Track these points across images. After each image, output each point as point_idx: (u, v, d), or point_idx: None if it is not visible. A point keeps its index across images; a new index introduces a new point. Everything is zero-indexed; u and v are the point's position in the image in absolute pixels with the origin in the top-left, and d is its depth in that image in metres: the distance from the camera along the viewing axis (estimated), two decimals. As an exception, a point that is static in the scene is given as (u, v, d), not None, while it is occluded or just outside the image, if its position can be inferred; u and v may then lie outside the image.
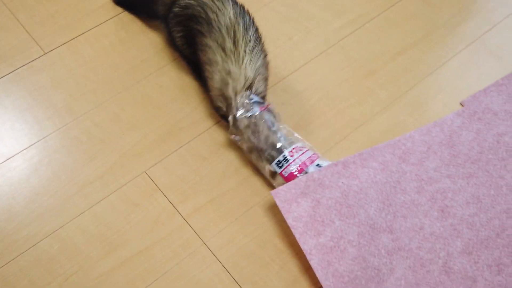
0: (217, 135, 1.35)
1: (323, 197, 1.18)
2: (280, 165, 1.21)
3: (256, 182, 1.28)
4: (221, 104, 1.30)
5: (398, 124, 1.38)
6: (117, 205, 1.24)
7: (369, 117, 1.39)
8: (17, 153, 1.30)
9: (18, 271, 1.15)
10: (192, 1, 1.33)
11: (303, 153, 1.22)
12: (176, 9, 1.36)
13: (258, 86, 1.29)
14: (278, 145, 1.21)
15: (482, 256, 1.17)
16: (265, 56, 1.32)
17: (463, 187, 1.26)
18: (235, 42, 1.27)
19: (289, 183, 1.19)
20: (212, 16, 1.29)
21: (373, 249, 1.15)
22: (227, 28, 1.27)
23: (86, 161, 1.30)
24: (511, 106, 1.38)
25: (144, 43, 1.50)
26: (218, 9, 1.29)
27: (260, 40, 1.32)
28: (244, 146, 1.26)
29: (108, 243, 1.19)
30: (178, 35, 1.38)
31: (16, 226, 1.21)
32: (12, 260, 1.17)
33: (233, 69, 1.26)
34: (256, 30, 1.31)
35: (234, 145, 1.32)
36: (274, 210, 1.24)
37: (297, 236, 1.16)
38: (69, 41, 1.49)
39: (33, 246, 1.19)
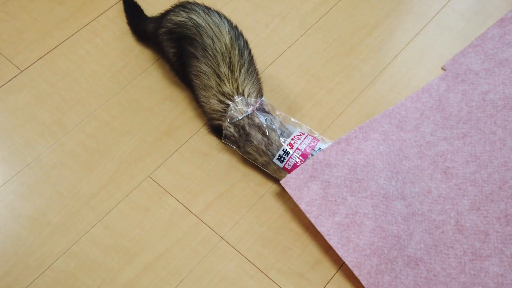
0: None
1: (332, 177, 1.20)
2: (282, 159, 1.22)
3: (262, 171, 1.28)
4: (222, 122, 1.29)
5: (388, 94, 1.41)
6: (127, 213, 1.23)
7: (358, 92, 1.41)
8: (13, 176, 1.26)
9: (38, 295, 1.12)
10: (187, 20, 1.29)
11: (302, 141, 1.24)
12: (169, 25, 1.33)
13: (255, 93, 1.29)
14: (276, 141, 1.22)
15: (490, 210, 1.22)
16: (257, 75, 1.31)
17: (460, 147, 1.30)
18: (230, 67, 1.26)
19: (297, 169, 1.21)
20: (208, 42, 1.26)
21: (390, 217, 1.17)
22: (222, 55, 1.26)
23: (86, 174, 1.28)
24: (490, 65, 1.43)
25: (121, 48, 1.47)
26: (215, 34, 1.26)
27: (253, 60, 1.31)
28: (249, 152, 1.26)
29: (126, 252, 1.18)
30: (171, 50, 1.35)
31: (27, 250, 1.18)
32: (30, 285, 1.14)
33: (228, 90, 1.26)
34: (250, 52, 1.30)
35: (233, 137, 1.32)
36: (285, 195, 1.25)
37: (312, 220, 1.17)
38: (44, 55, 1.45)
39: (48, 267, 1.16)
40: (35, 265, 1.16)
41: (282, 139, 1.22)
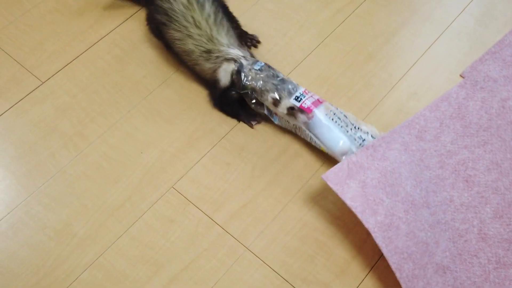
0: (236, 139, 1.35)
1: (367, 178, 1.20)
2: (299, 99, 1.26)
3: (285, 180, 1.29)
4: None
5: (407, 102, 1.42)
6: (152, 224, 1.24)
7: (378, 100, 1.42)
8: (38, 188, 1.27)
9: (67, 307, 1.14)
10: None
11: (313, 94, 1.29)
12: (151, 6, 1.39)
13: (233, 33, 1.36)
14: (291, 85, 1.28)
15: (513, 218, 1.23)
16: (231, 21, 1.38)
17: (481, 155, 1.31)
18: (197, 25, 1.31)
19: (334, 167, 1.20)
20: (166, 5, 1.32)
21: (419, 224, 1.18)
22: (184, 15, 1.31)
23: (110, 185, 1.29)
24: (508, 72, 1.44)
25: (141, 59, 1.48)
26: None
27: (220, 9, 1.35)
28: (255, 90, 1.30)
29: (153, 263, 1.19)
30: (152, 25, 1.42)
31: (54, 262, 1.19)
32: (58, 296, 1.15)
33: (210, 47, 1.31)
34: (213, 1, 1.34)
35: (255, 147, 1.34)
36: (308, 205, 1.26)
37: (359, 215, 1.15)
38: (65, 66, 1.46)
39: (75, 279, 1.18)
40: (63, 277, 1.18)
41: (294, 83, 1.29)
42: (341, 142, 1.25)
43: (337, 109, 1.29)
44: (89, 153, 1.33)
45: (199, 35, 1.31)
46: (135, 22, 1.53)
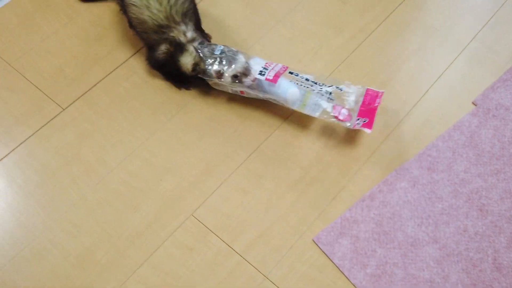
0: (253, 166, 1.38)
1: (360, 232, 1.26)
2: (263, 73, 1.37)
3: (302, 208, 1.32)
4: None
5: (421, 129, 1.44)
6: (172, 252, 1.27)
7: (392, 127, 1.45)
8: (60, 216, 1.31)
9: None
10: None
11: (276, 65, 1.40)
12: None
13: (192, 18, 1.44)
14: (251, 60, 1.39)
15: (526, 247, 1.25)
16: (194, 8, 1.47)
17: (494, 184, 1.34)
18: (158, 1, 1.39)
19: (327, 227, 1.26)
20: None
21: (420, 264, 1.22)
22: None
23: (130, 212, 1.32)
24: (520, 99, 1.47)
25: (158, 85, 1.51)
26: None
27: None
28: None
29: (174, 292, 1.22)
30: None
31: (77, 290, 1.22)
32: (81, 323, 1.18)
33: (165, 23, 1.40)
34: None
35: (272, 174, 1.36)
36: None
37: (345, 273, 1.22)
38: (85, 93, 1.49)
39: (98, 306, 1.20)
40: (85, 305, 1.20)
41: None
42: (290, 91, 1.36)
43: (297, 75, 1.40)
44: (109, 179, 1.36)
45: (157, 10, 1.39)
46: (153, 49, 1.56)
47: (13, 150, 1.39)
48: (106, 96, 1.49)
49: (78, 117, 1.45)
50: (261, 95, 1.39)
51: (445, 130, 1.44)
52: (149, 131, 1.44)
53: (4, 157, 1.38)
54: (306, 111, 1.37)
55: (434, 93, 1.51)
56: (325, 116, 1.36)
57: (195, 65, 1.40)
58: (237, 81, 1.37)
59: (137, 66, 1.54)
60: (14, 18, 1.59)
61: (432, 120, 1.46)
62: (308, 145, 1.42)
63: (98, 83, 1.51)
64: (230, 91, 1.43)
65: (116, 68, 1.54)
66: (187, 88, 1.49)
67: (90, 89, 1.50)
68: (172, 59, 1.42)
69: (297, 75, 1.40)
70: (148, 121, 1.45)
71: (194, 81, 1.46)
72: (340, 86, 1.38)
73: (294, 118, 1.45)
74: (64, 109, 1.46)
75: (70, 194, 1.34)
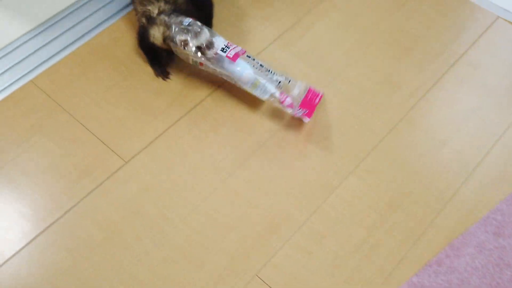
0: (316, 226, 1.38)
1: None
2: (225, 50, 1.48)
3: (367, 272, 1.31)
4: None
5: (483, 192, 1.44)
6: (238, 313, 1.26)
7: (454, 190, 1.45)
8: (125, 271, 1.31)
9: None
10: None
11: (236, 46, 1.51)
12: None
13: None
14: (215, 38, 1.50)
15: None
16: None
17: None
18: None
19: None
20: None
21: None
22: None
23: (196, 271, 1.32)
24: None
25: (220, 140, 1.53)
26: None
27: None
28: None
29: None
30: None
31: None
32: None
33: (151, 8, 1.53)
34: None
35: (336, 235, 1.36)
36: (392, 299, 1.28)
37: None
38: (147, 146, 1.51)
39: None
40: None
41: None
42: (246, 71, 1.48)
43: (254, 59, 1.52)
44: (173, 235, 1.36)
45: None
46: (213, 101, 1.58)
47: (77, 204, 1.41)
48: (168, 150, 1.51)
49: (141, 170, 1.47)
50: (218, 70, 1.50)
51: (509, 193, 1.43)
52: (211, 186, 1.45)
53: (68, 211, 1.39)
54: (256, 92, 1.50)
55: (495, 153, 1.51)
56: (272, 99, 1.50)
57: (165, 37, 1.50)
58: (200, 52, 1.46)
59: (198, 119, 1.56)
60: (75, 69, 1.62)
61: (494, 183, 1.46)
62: (372, 206, 1.41)
63: (159, 136, 1.53)
64: (190, 62, 1.53)
65: (177, 121, 1.56)
66: (165, 75, 1.61)
67: (152, 141, 1.52)
68: (145, 33, 1.54)
69: (254, 60, 1.52)
70: (210, 175, 1.46)
71: (168, 56, 1.58)
72: (289, 78, 1.51)
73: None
74: (126, 162, 1.48)
75: (135, 250, 1.35)
